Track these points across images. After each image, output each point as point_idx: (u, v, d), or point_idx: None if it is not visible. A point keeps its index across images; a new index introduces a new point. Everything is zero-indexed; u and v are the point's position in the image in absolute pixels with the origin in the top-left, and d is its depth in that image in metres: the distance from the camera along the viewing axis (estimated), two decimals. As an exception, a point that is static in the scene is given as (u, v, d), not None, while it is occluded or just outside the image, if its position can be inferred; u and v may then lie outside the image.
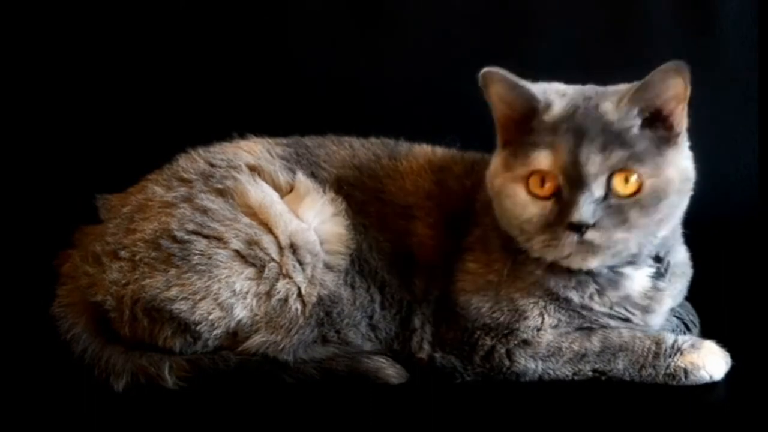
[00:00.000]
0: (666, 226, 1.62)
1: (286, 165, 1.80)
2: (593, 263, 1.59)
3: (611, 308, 1.66)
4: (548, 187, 1.57)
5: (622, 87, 1.62)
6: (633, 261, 1.65)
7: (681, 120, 1.59)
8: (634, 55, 2.35)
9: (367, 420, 1.59)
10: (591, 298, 1.66)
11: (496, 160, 1.65)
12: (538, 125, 1.58)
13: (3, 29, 2.41)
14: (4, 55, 2.41)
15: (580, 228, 1.53)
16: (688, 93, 1.57)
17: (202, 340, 1.68)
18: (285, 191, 1.76)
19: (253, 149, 1.82)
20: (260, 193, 1.71)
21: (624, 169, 1.54)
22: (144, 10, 2.43)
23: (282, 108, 2.39)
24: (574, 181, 1.54)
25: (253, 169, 1.77)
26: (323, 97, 2.42)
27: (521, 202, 1.58)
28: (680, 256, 1.76)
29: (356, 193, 1.79)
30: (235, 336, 1.69)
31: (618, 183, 1.54)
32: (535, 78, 1.67)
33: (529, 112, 1.60)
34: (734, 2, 2.38)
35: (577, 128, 1.55)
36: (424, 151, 1.86)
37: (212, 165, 1.78)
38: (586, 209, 1.52)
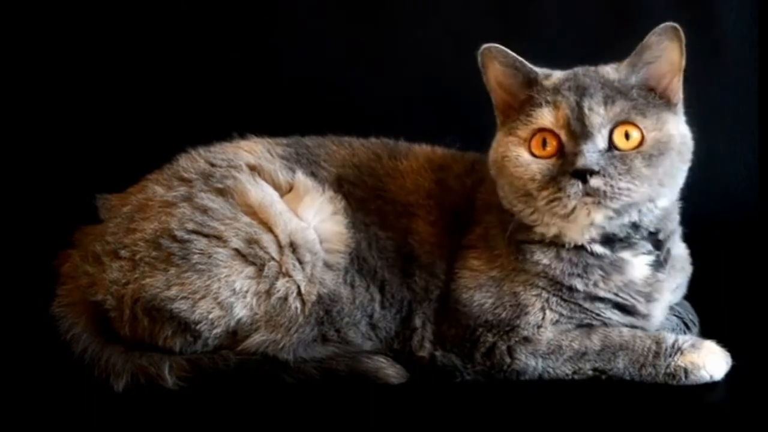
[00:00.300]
0: (666, 191, 1.63)
1: (286, 164, 1.80)
2: (598, 216, 1.59)
3: (616, 294, 1.67)
4: (551, 145, 1.60)
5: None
6: (631, 240, 1.66)
7: (677, 91, 1.64)
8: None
9: (367, 420, 1.59)
10: (596, 285, 1.66)
11: (497, 137, 1.69)
12: (539, 91, 1.63)
13: (3, 29, 2.41)
14: (4, 55, 2.41)
15: (584, 175, 1.54)
16: (683, 63, 1.62)
17: (202, 339, 1.68)
18: (285, 190, 1.76)
19: (253, 149, 1.83)
20: (260, 192, 1.72)
21: (626, 120, 1.57)
22: (144, 10, 2.43)
23: (282, 108, 2.39)
24: (578, 133, 1.57)
25: (253, 169, 1.77)
26: (323, 97, 2.42)
27: (524, 163, 1.61)
28: (679, 251, 1.78)
29: (357, 192, 1.79)
30: (235, 335, 1.69)
31: (619, 137, 1.57)
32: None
33: (528, 84, 1.65)
34: (734, 2, 2.38)
35: (579, 85, 1.60)
36: (424, 150, 1.87)
37: (212, 165, 1.78)
38: (590, 156, 1.55)
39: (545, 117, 1.60)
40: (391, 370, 1.70)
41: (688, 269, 1.80)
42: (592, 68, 1.66)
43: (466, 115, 2.33)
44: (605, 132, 1.57)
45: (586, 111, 1.57)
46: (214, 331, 1.68)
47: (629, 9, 2.42)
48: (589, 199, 1.56)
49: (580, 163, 1.54)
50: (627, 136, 1.57)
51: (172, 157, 1.84)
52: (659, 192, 1.61)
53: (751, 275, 2.13)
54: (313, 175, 1.80)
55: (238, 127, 1.91)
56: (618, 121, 1.57)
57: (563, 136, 1.58)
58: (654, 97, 1.62)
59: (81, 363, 1.71)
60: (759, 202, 2.40)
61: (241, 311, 1.66)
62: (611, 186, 1.55)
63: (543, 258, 1.66)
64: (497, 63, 1.65)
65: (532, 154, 1.61)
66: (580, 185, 1.55)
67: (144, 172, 1.84)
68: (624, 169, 1.56)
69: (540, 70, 1.66)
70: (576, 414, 1.59)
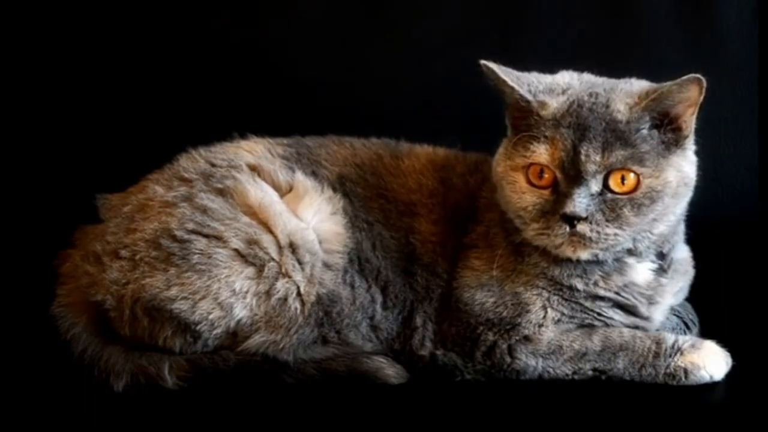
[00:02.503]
0: (660, 226, 1.64)
1: (286, 164, 1.80)
2: (583, 255, 1.62)
3: (617, 294, 1.67)
4: (546, 178, 1.60)
5: (635, 86, 1.64)
6: (633, 253, 1.66)
7: (690, 124, 1.62)
8: (634, 54, 2.35)
9: (367, 420, 1.59)
10: (596, 284, 1.67)
11: (501, 148, 1.69)
12: (537, 122, 1.61)
13: (3, 29, 2.41)
14: (4, 55, 2.41)
15: (572, 220, 1.56)
16: (701, 100, 1.59)
17: (202, 339, 1.68)
18: (285, 191, 1.76)
19: (254, 149, 1.83)
20: (260, 192, 1.72)
21: (623, 168, 1.56)
22: (144, 10, 2.43)
23: (282, 108, 2.39)
24: (572, 175, 1.57)
25: (254, 169, 1.77)
26: (323, 97, 2.42)
27: (520, 190, 1.62)
28: (682, 254, 1.78)
29: (359, 191, 1.79)
30: (235, 335, 1.69)
31: (614, 181, 1.57)
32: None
33: (522, 108, 1.63)
34: (734, 2, 2.38)
35: (580, 125, 1.58)
36: (425, 150, 1.87)
37: (213, 165, 1.78)
38: (579, 203, 1.55)
39: (541, 154, 1.59)
40: (391, 370, 1.70)
41: (690, 272, 1.80)
42: (602, 100, 1.60)
43: (466, 116, 2.33)
44: (600, 177, 1.57)
45: (582, 157, 1.56)
46: (214, 332, 1.68)
47: (629, 9, 2.42)
48: (575, 239, 1.58)
49: (569, 208, 1.56)
50: (623, 179, 1.57)
51: (172, 157, 1.84)
52: (653, 226, 1.62)
53: (752, 275, 2.13)
54: (314, 175, 1.80)
55: (239, 127, 1.91)
56: (614, 168, 1.57)
57: (558, 174, 1.59)
58: (665, 132, 1.60)
59: (81, 363, 1.71)
60: (759, 203, 2.40)
61: (241, 312, 1.66)
62: (597, 233, 1.57)
63: (542, 260, 1.67)
64: (493, 82, 1.64)
65: (530, 182, 1.62)
66: (567, 228, 1.57)
67: (144, 172, 1.84)
68: (612, 216, 1.57)
69: (533, 97, 1.62)
70: (576, 414, 1.59)
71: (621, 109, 1.58)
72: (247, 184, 1.72)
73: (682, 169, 1.62)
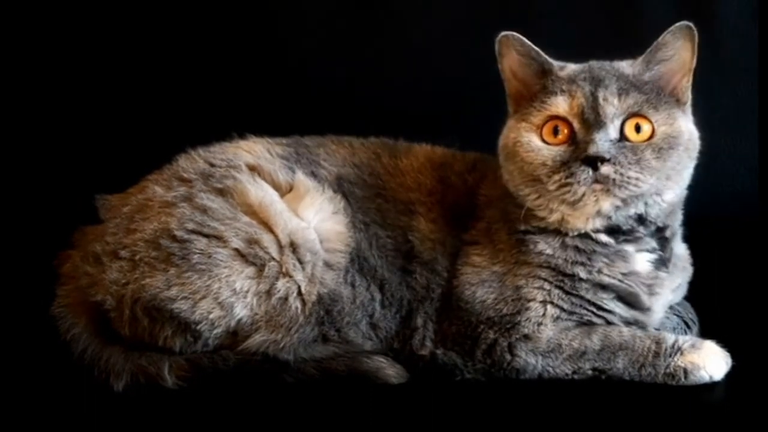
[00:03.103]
0: (672, 185, 1.65)
1: (285, 164, 1.80)
2: (606, 204, 1.62)
3: (620, 281, 1.68)
4: (561, 135, 1.63)
5: None
6: (636, 234, 1.67)
7: (686, 90, 1.68)
8: (634, 54, 2.35)
9: (367, 420, 1.59)
10: (600, 271, 1.67)
11: (508, 123, 1.71)
12: (553, 80, 1.66)
13: (3, 29, 2.41)
14: (4, 55, 2.42)
15: (595, 162, 1.57)
16: (694, 63, 1.65)
17: (203, 339, 1.68)
18: (285, 190, 1.76)
19: (253, 149, 1.83)
20: (260, 192, 1.72)
21: (638, 113, 1.61)
22: (144, 10, 2.43)
23: (282, 108, 2.39)
24: (591, 122, 1.59)
25: (253, 169, 1.77)
26: (323, 97, 2.42)
27: (535, 148, 1.64)
28: (680, 251, 1.79)
29: (357, 191, 1.79)
30: (235, 335, 1.69)
31: (630, 129, 1.61)
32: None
33: (542, 74, 1.68)
34: (734, 2, 2.38)
35: (594, 77, 1.64)
36: (424, 149, 1.87)
37: (212, 165, 1.78)
38: (602, 144, 1.58)
39: (559, 105, 1.62)
40: (391, 370, 1.70)
41: (689, 270, 1.80)
42: (608, 62, 1.69)
43: (465, 115, 2.34)
44: (617, 122, 1.60)
45: (601, 101, 1.60)
46: (215, 332, 1.68)
47: (629, 9, 2.42)
48: (598, 186, 1.58)
49: (592, 150, 1.57)
50: (638, 128, 1.61)
51: (172, 157, 1.84)
52: (666, 185, 1.64)
53: (751, 275, 2.13)
54: (312, 174, 1.80)
55: (238, 127, 1.91)
56: (631, 112, 1.61)
57: (576, 124, 1.61)
58: (665, 94, 1.65)
59: (81, 363, 1.71)
60: (759, 202, 2.40)
61: (241, 311, 1.66)
62: (621, 174, 1.58)
63: (546, 248, 1.67)
64: (514, 51, 1.68)
65: (544, 141, 1.64)
66: (591, 172, 1.57)
67: (144, 172, 1.84)
68: (634, 159, 1.59)
69: (555, 62, 1.68)
70: (576, 414, 1.59)
71: (625, 65, 1.67)
72: (247, 184, 1.72)
73: (689, 126, 1.67)
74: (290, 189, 1.76)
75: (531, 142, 1.64)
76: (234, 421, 1.58)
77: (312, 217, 1.73)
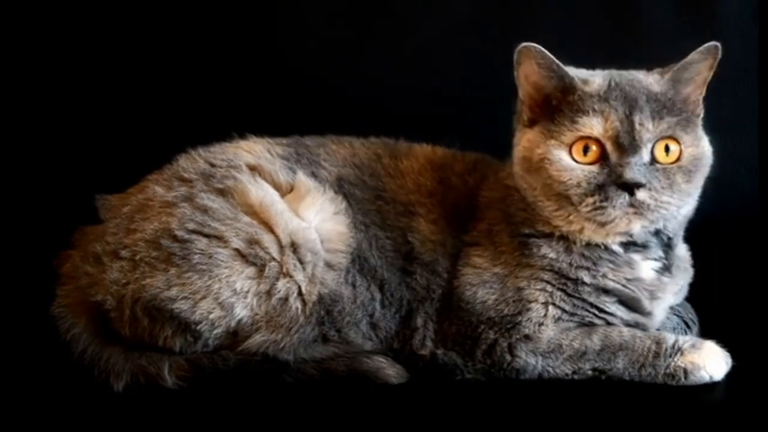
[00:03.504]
0: (691, 202, 1.68)
1: (286, 164, 1.80)
2: (636, 226, 1.64)
3: (624, 286, 1.68)
4: (593, 153, 1.61)
5: (640, 73, 1.69)
6: (647, 245, 1.68)
7: (700, 104, 1.68)
8: (634, 55, 2.34)
9: (367, 420, 1.59)
10: (605, 276, 1.68)
11: (528, 136, 1.68)
12: (581, 97, 1.62)
13: (3, 29, 2.41)
14: (4, 55, 2.41)
15: (632, 187, 1.57)
16: (710, 77, 1.66)
17: (203, 339, 1.68)
18: (285, 190, 1.76)
19: (253, 149, 1.83)
20: (261, 192, 1.72)
21: (671, 136, 1.61)
22: (144, 10, 2.43)
23: (282, 108, 2.39)
24: (626, 146, 1.58)
25: (254, 169, 1.77)
26: (323, 97, 2.42)
27: (567, 167, 1.62)
28: (682, 252, 1.79)
29: (357, 192, 1.79)
30: (235, 335, 1.69)
31: (660, 151, 1.60)
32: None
33: (563, 87, 1.64)
34: (734, 2, 2.38)
35: (626, 97, 1.61)
36: (424, 150, 1.87)
37: (212, 165, 1.78)
38: (638, 170, 1.58)
39: (594, 126, 1.60)
40: (391, 370, 1.70)
41: (690, 271, 1.80)
42: (632, 76, 1.66)
43: (466, 115, 2.33)
44: (650, 146, 1.60)
45: (637, 125, 1.59)
46: (215, 332, 1.68)
47: (629, 9, 2.42)
48: (631, 210, 1.59)
49: (629, 176, 1.57)
50: (666, 150, 1.61)
51: (172, 157, 1.84)
52: (687, 202, 1.67)
53: (752, 275, 2.13)
54: (313, 175, 1.80)
55: (238, 127, 1.91)
56: (663, 135, 1.60)
57: (609, 146, 1.60)
58: (687, 111, 1.65)
59: (81, 363, 1.71)
60: (759, 202, 2.40)
61: (241, 311, 1.66)
62: (655, 199, 1.59)
63: (550, 251, 1.68)
64: (534, 63, 1.64)
65: (574, 159, 1.62)
66: (627, 197, 1.58)
67: (144, 172, 1.84)
68: (667, 183, 1.60)
69: (575, 74, 1.65)
70: (576, 414, 1.59)
71: (653, 81, 1.64)
72: (248, 184, 1.72)
73: (706, 143, 1.67)
74: (291, 189, 1.76)
75: (562, 160, 1.62)
76: (234, 421, 1.58)
77: (313, 218, 1.73)
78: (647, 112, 1.60)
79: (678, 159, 1.61)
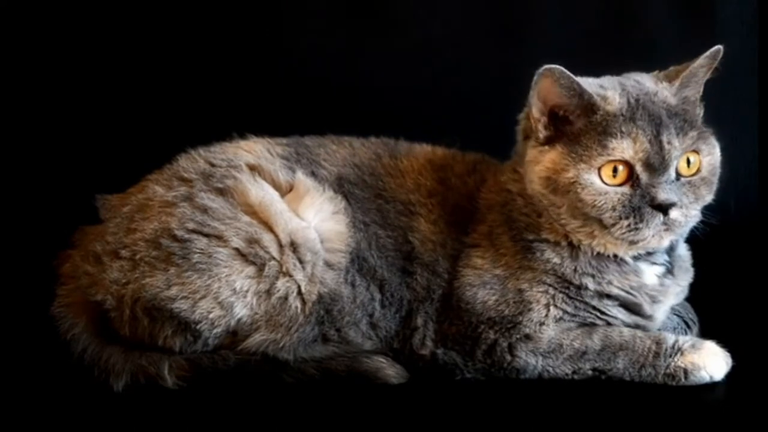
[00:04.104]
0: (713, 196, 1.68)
1: (286, 164, 1.80)
2: (666, 241, 1.65)
3: (627, 293, 1.68)
4: (621, 174, 1.60)
5: (646, 75, 1.69)
6: (652, 252, 1.69)
7: (698, 102, 1.68)
8: (634, 55, 2.35)
9: (367, 420, 1.59)
10: (609, 283, 1.68)
11: (551, 157, 1.64)
12: (604, 117, 1.60)
13: (3, 29, 2.41)
14: (4, 55, 2.41)
15: (666, 208, 1.58)
16: (708, 76, 1.66)
17: (203, 338, 1.68)
18: (285, 190, 1.76)
19: (253, 149, 1.83)
20: (260, 191, 1.72)
21: (693, 149, 1.61)
22: (144, 10, 2.43)
23: (282, 108, 2.39)
24: (656, 166, 1.58)
25: (253, 169, 1.77)
26: (323, 97, 2.42)
27: (599, 191, 1.60)
28: (683, 251, 1.79)
29: (357, 191, 1.79)
30: (235, 335, 1.69)
31: (683, 164, 1.60)
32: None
33: (584, 107, 1.61)
34: (734, 2, 2.38)
35: (651, 115, 1.60)
36: (424, 150, 1.87)
37: (212, 164, 1.78)
38: (670, 189, 1.58)
39: (624, 150, 1.58)
40: (391, 370, 1.70)
41: (691, 271, 1.80)
42: (645, 88, 1.64)
43: (465, 115, 2.33)
44: (676, 163, 1.60)
45: (666, 145, 1.58)
46: (215, 331, 1.68)
47: (629, 9, 2.42)
48: (664, 227, 1.60)
49: (663, 197, 1.57)
50: (688, 162, 1.61)
51: (172, 157, 1.84)
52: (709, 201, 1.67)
53: (752, 275, 2.13)
54: (313, 174, 1.80)
55: (238, 127, 1.91)
56: (689, 150, 1.60)
57: (639, 168, 1.58)
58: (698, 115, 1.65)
59: (81, 363, 1.71)
60: (759, 202, 2.40)
61: (241, 311, 1.66)
62: (685, 216, 1.60)
63: (554, 256, 1.67)
64: (556, 85, 1.59)
65: (604, 182, 1.60)
66: (662, 217, 1.58)
67: (144, 172, 1.84)
68: (694, 197, 1.61)
69: (595, 92, 1.61)
70: (576, 414, 1.59)
71: (667, 93, 1.64)
72: (248, 184, 1.72)
73: (717, 145, 1.68)
74: (290, 189, 1.76)
75: (594, 184, 1.60)
76: (234, 421, 1.58)
77: (312, 217, 1.73)
78: (672, 130, 1.59)
79: (698, 170, 1.62)
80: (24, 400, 1.67)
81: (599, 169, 1.60)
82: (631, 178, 1.59)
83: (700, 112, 1.68)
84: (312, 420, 1.59)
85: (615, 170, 1.59)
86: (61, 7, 2.42)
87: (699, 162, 1.62)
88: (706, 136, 1.64)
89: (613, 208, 1.60)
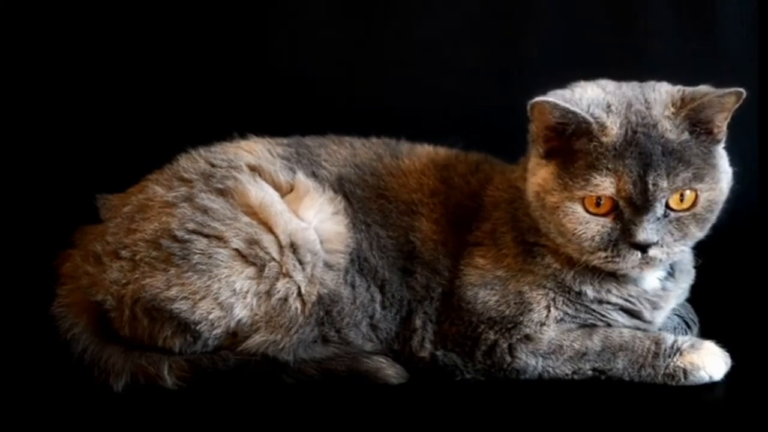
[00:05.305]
0: (706, 231, 1.65)
1: (286, 165, 1.80)
2: (649, 274, 1.65)
3: (626, 300, 1.68)
4: (605, 205, 1.58)
5: (663, 93, 1.62)
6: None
7: (723, 128, 1.61)
8: (634, 55, 2.35)
9: (367, 420, 1.59)
10: (609, 291, 1.68)
11: (543, 173, 1.63)
12: (597, 149, 1.58)
13: (3, 29, 2.41)
14: (4, 55, 2.41)
15: (645, 247, 1.57)
16: (736, 107, 1.59)
17: (202, 339, 1.69)
18: (285, 191, 1.76)
19: (253, 149, 1.83)
20: (260, 192, 1.72)
21: (685, 188, 1.57)
22: (144, 10, 2.43)
23: (282, 108, 2.39)
24: (639, 205, 1.56)
25: (254, 169, 1.77)
26: (323, 97, 2.42)
27: (581, 220, 1.59)
28: (686, 254, 1.77)
29: (358, 191, 1.79)
30: (235, 335, 1.69)
31: (674, 200, 1.57)
32: (535, 77, 1.67)
33: (581, 132, 1.59)
34: (734, 3, 2.38)
35: (641, 153, 1.56)
36: (426, 150, 1.87)
37: (213, 165, 1.78)
38: (650, 229, 1.56)
39: (606, 187, 1.56)
40: (391, 371, 1.70)
41: (692, 272, 1.80)
42: (648, 117, 1.57)
43: (468, 115, 2.33)
44: (664, 201, 1.57)
45: (650, 186, 1.55)
46: (214, 332, 1.68)
47: (629, 9, 2.42)
48: (643, 263, 1.59)
49: (641, 237, 1.56)
50: (682, 197, 1.58)
51: (173, 157, 1.84)
52: (701, 236, 1.64)
53: (752, 275, 2.13)
54: (313, 175, 1.80)
55: (238, 127, 1.91)
56: (679, 190, 1.57)
57: (622, 204, 1.57)
58: (699, 135, 1.59)
59: (81, 363, 1.71)
60: (759, 202, 2.40)
61: (241, 312, 1.66)
62: (667, 254, 1.59)
63: (554, 262, 1.67)
64: (549, 115, 1.58)
65: (587, 211, 1.59)
66: (639, 254, 1.58)
67: (144, 172, 1.84)
68: (680, 235, 1.59)
69: (596, 119, 1.57)
70: (576, 414, 1.59)
71: (668, 126, 1.58)
72: (248, 184, 1.72)
73: (726, 169, 1.63)
74: (291, 189, 1.76)
75: (576, 213, 1.59)
76: (234, 421, 1.58)
77: (312, 218, 1.73)
78: (662, 170, 1.55)
79: (693, 204, 1.58)
80: (24, 400, 1.67)
81: (583, 199, 1.59)
82: (615, 210, 1.58)
83: (717, 134, 1.60)
84: (312, 420, 1.59)
85: (599, 201, 1.58)
86: (61, 7, 2.42)
87: (695, 198, 1.58)
88: (706, 173, 1.58)
89: (592, 238, 1.59)
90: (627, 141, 1.57)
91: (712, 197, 1.60)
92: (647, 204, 1.55)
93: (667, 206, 1.57)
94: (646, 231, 1.56)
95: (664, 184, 1.55)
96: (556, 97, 1.60)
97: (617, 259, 1.59)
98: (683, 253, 1.62)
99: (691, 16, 2.38)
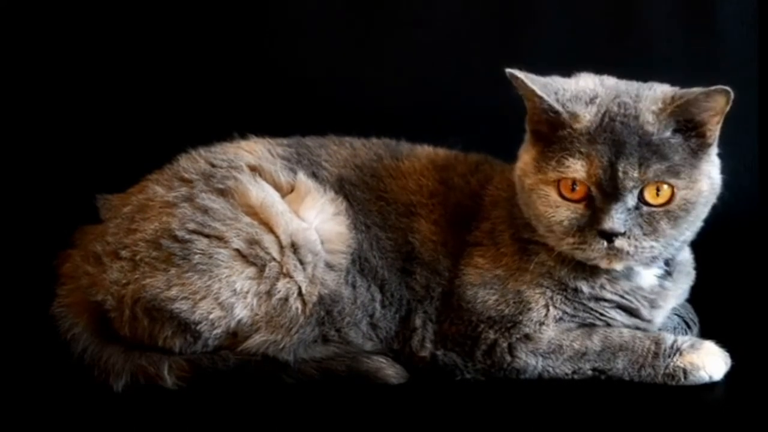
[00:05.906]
0: (689, 233, 1.64)
1: (287, 165, 1.80)
2: (618, 266, 1.63)
3: (622, 297, 1.68)
4: (579, 191, 1.59)
5: (658, 92, 1.62)
6: (656, 259, 1.67)
7: (714, 132, 1.60)
8: (634, 54, 2.35)
9: (367, 420, 1.59)
10: (602, 287, 1.67)
11: (526, 157, 1.66)
12: (571, 135, 1.59)
13: (3, 29, 2.41)
14: (4, 55, 2.41)
15: (610, 236, 1.56)
16: (728, 109, 1.58)
17: (203, 339, 1.69)
18: (286, 191, 1.76)
19: (254, 149, 1.83)
20: (261, 192, 1.72)
21: (662, 181, 1.56)
22: (144, 10, 2.43)
23: (282, 108, 2.39)
24: (608, 192, 1.56)
25: (254, 169, 1.77)
26: (323, 97, 2.42)
27: (552, 204, 1.60)
28: (685, 255, 1.78)
29: (358, 193, 1.79)
30: (235, 335, 1.69)
31: (649, 193, 1.57)
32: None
33: (552, 120, 1.60)
34: (734, 2, 2.38)
35: (615, 141, 1.56)
36: (426, 151, 1.87)
37: (213, 165, 1.78)
38: (617, 218, 1.55)
39: (577, 170, 1.57)
40: (391, 370, 1.70)
41: (692, 274, 1.80)
42: (629, 109, 1.58)
43: (467, 116, 2.33)
44: (636, 192, 1.56)
45: (620, 174, 1.54)
46: (215, 332, 1.68)
47: (629, 8, 2.42)
48: (612, 253, 1.58)
49: (607, 225, 1.55)
50: (658, 191, 1.57)
51: (173, 157, 1.84)
52: (683, 237, 1.64)
53: (752, 275, 2.13)
54: (314, 175, 1.80)
55: (239, 127, 1.91)
56: (651, 182, 1.56)
57: (593, 189, 1.57)
58: (689, 138, 1.58)
59: (81, 363, 1.71)
60: (759, 202, 2.40)
61: (241, 312, 1.66)
62: (635, 246, 1.57)
63: (547, 259, 1.67)
64: (520, 89, 1.60)
65: (561, 195, 1.60)
66: (605, 243, 1.57)
67: (144, 172, 1.84)
68: (649, 229, 1.57)
69: (563, 108, 1.58)
70: (576, 414, 1.59)
71: (650, 120, 1.57)
72: (248, 184, 1.72)
73: (712, 175, 1.62)
74: (291, 190, 1.76)
75: (549, 196, 1.60)
76: (234, 421, 1.58)
77: (313, 218, 1.73)
78: (634, 159, 1.54)
79: (668, 201, 1.57)
80: (24, 400, 1.66)
81: (558, 182, 1.59)
82: (588, 198, 1.58)
83: (700, 151, 1.58)
84: (312, 420, 1.59)
85: (573, 186, 1.58)
86: (61, 7, 2.42)
87: (670, 194, 1.56)
88: (686, 169, 1.57)
89: (561, 222, 1.59)
90: (602, 127, 1.57)
91: (688, 196, 1.58)
92: (617, 192, 1.55)
93: (643, 200, 1.57)
94: (613, 219, 1.55)
95: (634, 173, 1.54)
96: (538, 84, 1.59)
97: (584, 246, 1.58)
98: (654, 250, 1.59)
99: (691, 16, 2.38)
